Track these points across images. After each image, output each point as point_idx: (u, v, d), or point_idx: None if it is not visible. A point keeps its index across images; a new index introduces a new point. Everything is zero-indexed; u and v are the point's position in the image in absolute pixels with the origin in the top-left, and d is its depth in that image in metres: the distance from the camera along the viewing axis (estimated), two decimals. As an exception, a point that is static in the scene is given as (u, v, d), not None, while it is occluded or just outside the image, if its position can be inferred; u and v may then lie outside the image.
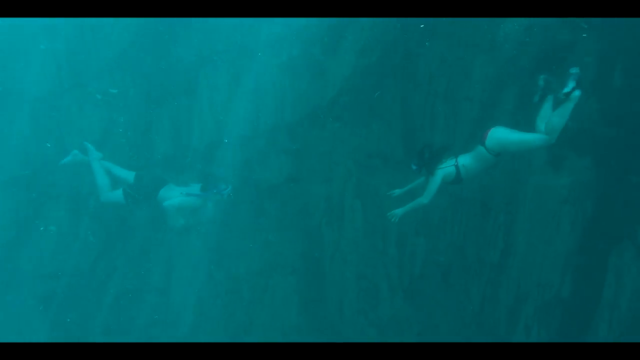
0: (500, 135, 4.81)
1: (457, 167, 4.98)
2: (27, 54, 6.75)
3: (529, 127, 4.89)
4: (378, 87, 6.53)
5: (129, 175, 5.87)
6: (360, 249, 6.89)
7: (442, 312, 6.77)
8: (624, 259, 5.73)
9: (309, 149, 6.92)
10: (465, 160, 5.02)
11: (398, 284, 6.86)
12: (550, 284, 6.15)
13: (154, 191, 5.74)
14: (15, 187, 6.93)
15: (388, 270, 6.87)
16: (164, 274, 7.36)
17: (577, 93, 4.49)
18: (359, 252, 6.90)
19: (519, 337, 6.16)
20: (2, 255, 7.02)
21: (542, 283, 6.18)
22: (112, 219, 6.93)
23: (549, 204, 6.10)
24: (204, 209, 5.91)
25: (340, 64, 6.62)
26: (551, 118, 4.58)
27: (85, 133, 6.77)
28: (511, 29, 5.79)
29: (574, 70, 4.48)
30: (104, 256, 7.19)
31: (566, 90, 4.48)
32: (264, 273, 7.15)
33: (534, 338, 6.07)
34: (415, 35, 6.23)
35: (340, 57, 6.65)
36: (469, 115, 6.28)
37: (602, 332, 5.73)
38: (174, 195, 5.71)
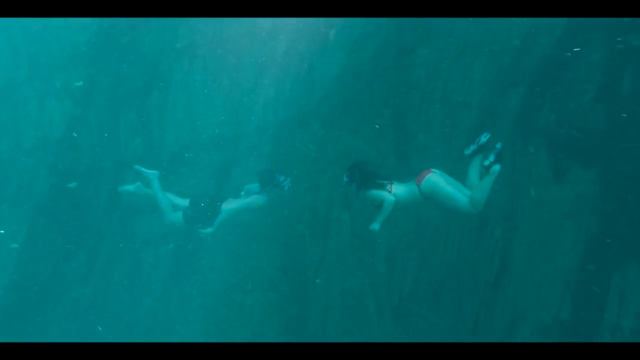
0: (435, 182, 4.93)
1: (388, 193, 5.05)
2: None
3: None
4: (369, 88, 6.07)
5: (183, 201, 5.81)
6: (347, 264, 6.39)
7: (433, 334, 6.29)
8: (627, 279, 5.36)
9: (292, 153, 6.40)
10: (398, 190, 5.10)
11: (387, 302, 6.37)
12: (548, 305, 5.75)
13: (215, 210, 5.66)
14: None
15: (376, 288, 6.37)
16: (132, 287, 6.70)
17: (496, 168, 4.70)
18: (345, 267, 6.39)
19: (515, 361, 5.70)
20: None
21: (541, 303, 5.77)
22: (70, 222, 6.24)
23: (550, 218, 5.71)
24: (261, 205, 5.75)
25: (329, 63, 6.14)
26: (473, 193, 4.80)
27: (44, 128, 6.11)
28: (514, 30, 5.40)
29: (498, 145, 4.66)
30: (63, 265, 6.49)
31: (486, 162, 4.70)
32: (240, 289, 6.56)
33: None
34: (410, 34, 5.80)
35: (329, 55, 6.17)
36: (466, 122, 5.85)
37: (604, 357, 5.31)
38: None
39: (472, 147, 4.84)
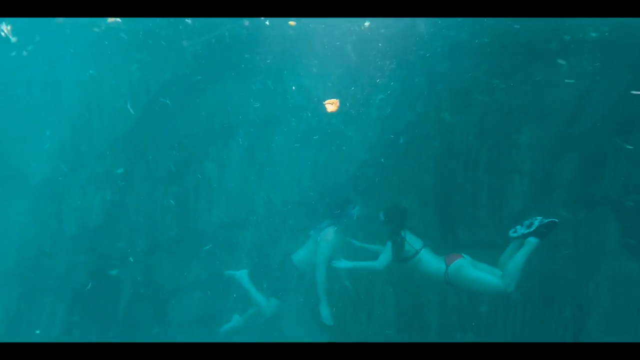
0: (463, 266, 4.58)
1: (416, 252, 4.75)
2: (32, 140, 6.46)
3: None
4: (406, 158, 5.76)
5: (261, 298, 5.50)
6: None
7: None
8: None
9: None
10: (425, 256, 4.76)
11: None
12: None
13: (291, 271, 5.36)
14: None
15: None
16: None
17: (533, 240, 4.29)
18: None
19: None
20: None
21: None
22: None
23: (629, 296, 4.95)
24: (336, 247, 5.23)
25: (364, 134, 5.93)
26: (507, 263, 4.43)
27: (85, 217, 6.23)
28: (564, 91, 5.00)
29: (539, 219, 4.29)
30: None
31: (523, 231, 4.35)
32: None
33: None
34: (448, 101, 5.52)
35: (363, 126, 5.99)
36: (518, 188, 5.34)
37: None
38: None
39: (521, 231, 4.37)
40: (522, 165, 5.32)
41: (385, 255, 4.69)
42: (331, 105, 4.98)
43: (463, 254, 4.70)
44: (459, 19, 5.08)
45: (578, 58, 5.02)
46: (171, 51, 6.09)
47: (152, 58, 6.14)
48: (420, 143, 5.73)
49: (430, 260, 4.72)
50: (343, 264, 4.92)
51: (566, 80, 4.98)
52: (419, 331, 5.75)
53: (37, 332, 5.89)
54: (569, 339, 5.25)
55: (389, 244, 4.69)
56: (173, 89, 6.22)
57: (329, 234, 5.08)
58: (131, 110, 6.08)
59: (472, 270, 4.55)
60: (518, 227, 4.39)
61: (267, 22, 5.60)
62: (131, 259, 6.04)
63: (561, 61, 4.88)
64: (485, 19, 5.00)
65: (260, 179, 6.27)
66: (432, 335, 5.70)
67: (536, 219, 4.27)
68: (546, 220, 4.21)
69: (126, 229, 6.26)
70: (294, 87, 5.93)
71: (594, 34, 4.85)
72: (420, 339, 5.71)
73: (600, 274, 5.09)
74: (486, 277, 4.47)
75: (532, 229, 4.25)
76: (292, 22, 5.62)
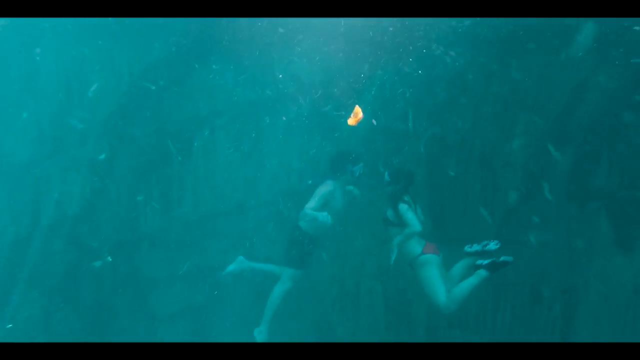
0: (428, 265, 4.71)
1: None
2: (8, 121, 6.16)
3: None
4: (399, 147, 5.63)
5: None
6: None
7: None
8: None
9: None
10: (412, 229, 4.73)
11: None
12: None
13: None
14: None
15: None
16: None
17: (483, 272, 4.52)
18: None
19: None
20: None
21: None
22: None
23: (619, 293, 4.92)
24: (334, 199, 5.18)
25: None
26: (454, 287, 4.63)
27: (63, 202, 5.99)
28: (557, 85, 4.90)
29: (502, 258, 4.50)
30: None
31: (477, 249, 4.62)
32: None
33: None
34: (442, 91, 5.38)
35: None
36: (511, 183, 5.25)
37: None
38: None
39: (476, 248, 4.64)
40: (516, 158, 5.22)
41: (413, 219, 4.63)
42: (353, 118, 4.73)
43: (441, 252, 4.79)
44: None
45: (574, 49, 4.91)
46: (155, 33, 5.84)
47: (136, 40, 5.89)
48: (413, 136, 5.58)
49: (414, 238, 4.75)
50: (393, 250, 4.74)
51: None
52: (407, 327, 5.67)
53: (9, 326, 5.65)
54: (557, 336, 5.23)
55: (410, 212, 4.65)
56: (157, 73, 5.98)
57: (327, 185, 5.01)
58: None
59: (433, 271, 4.67)
60: (475, 244, 4.61)
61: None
62: (109, 258, 5.82)
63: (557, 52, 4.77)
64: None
65: (247, 167, 6.08)
66: (419, 332, 5.63)
67: (493, 242, 4.54)
68: (501, 259, 4.44)
69: (107, 218, 6.04)
70: (280, 75, 5.73)
71: (590, 25, 4.73)
72: (407, 335, 5.66)
73: (590, 269, 5.04)
74: (438, 287, 4.61)
75: (485, 250, 4.53)
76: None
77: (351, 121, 4.79)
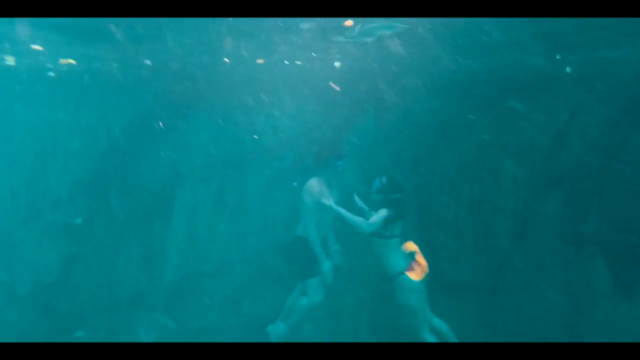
0: (407, 287, 4.43)
1: (393, 236, 4.52)
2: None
3: None
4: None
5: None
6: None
7: None
8: None
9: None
10: (396, 246, 4.52)
11: None
12: None
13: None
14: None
15: None
16: None
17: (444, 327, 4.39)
18: None
19: None
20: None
21: None
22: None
23: (624, 340, 4.68)
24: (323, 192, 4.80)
25: (340, 177, 5.63)
26: (434, 320, 4.45)
27: (39, 270, 5.71)
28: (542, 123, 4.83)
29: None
30: None
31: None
32: None
33: None
34: (427, 136, 5.29)
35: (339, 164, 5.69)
36: (502, 229, 5.10)
37: None
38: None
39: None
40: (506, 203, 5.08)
41: (379, 219, 4.37)
42: None
43: (426, 275, 4.47)
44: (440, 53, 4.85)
45: (554, 93, 4.88)
46: (132, 92, 5.74)
47: (112, 99, 5.79)
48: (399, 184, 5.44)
49: (398, 252, 4.49)
50: (334, 206, 4.58)
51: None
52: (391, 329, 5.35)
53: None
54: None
55: (386, 212, 4.40)
56: (135, 131, 5.85)
57: (313, 184, 4.73)
58: None
59: (413, 294, 4.39)
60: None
61: (227, 60, 5.31)
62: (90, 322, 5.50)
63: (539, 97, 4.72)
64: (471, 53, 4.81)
65: (231, 223, 5.88)
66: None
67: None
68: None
69: (86, 285, 5.75)
70: (255, 136, 5.61)
71: (568, 69, 4.71)
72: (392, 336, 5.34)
73: (592, 317, 4.83)
74: (418, 312, 4.35)
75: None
76: (260, 60, 5.36)
77: None
